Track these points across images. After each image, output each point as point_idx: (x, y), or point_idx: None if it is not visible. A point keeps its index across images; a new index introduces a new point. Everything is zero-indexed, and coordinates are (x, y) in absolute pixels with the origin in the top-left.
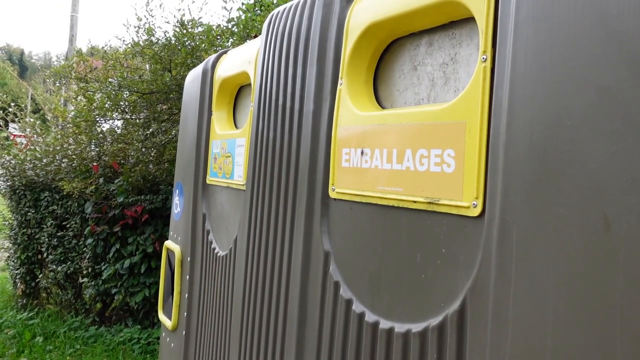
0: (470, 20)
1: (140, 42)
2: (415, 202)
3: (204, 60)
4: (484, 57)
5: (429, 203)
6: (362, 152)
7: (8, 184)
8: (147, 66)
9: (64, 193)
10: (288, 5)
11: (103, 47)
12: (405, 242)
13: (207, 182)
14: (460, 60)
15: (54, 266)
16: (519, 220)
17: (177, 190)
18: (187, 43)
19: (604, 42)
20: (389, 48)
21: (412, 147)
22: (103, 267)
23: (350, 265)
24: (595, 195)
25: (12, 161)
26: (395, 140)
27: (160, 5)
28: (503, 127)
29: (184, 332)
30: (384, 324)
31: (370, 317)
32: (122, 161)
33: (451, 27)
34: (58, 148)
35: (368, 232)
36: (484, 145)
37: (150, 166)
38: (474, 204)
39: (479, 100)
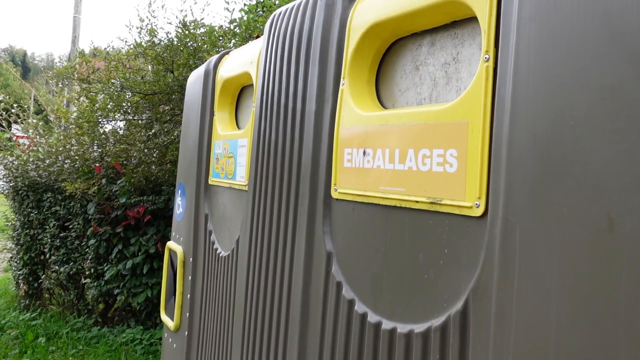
0: (472, 19)
1: (143, 43)
2: (417, 202)
3: (206, 61)
4: (487, 56)
5: (432, 203)
6: (364, 152)
7: (11, 184)
8: (150, 67)
9: (67, 194)
10: (290, 5)
11: (105, 48)
12: (407, 242)
13: (210, 182)
14: (463, 60)
15: (57, 267)
16: (522, 220)
17: (179, 191)
18: (189, 44)
19: (607, 41)
20: (391, 48)
21: (415, 147)
22: (105, 268)
23: (353, 266)
24: (599, 195)
25: (14, 162)
26: (397, 140)
27: (163, 7)
28: (506, 127)
29: (186, 332)
30: (387, 325)
31: (372, 318)
32: (124, 162)
33: (453, 26)
34: (61, 149)
35: (370, 232)
36: (487, 145)
37: (153, 167)
38: (476, 204)
39: (481, 100)
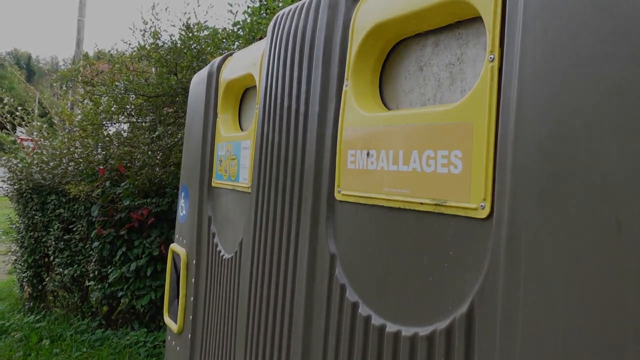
0: (477, 19)
1: (146, 46)
2: (422, 203)
3: (209, 63)
4: (492, 56)
5: (436, 205)
6: (367, 154)
7: (15, 187)
8: (153, 69)
9: (71, 196)
10: (293, 6)
11: (109, 51)
12: (412, 244)
13: (213, 184)
14: (467, 60)
15: (61, 269)
16: (528, 222)
17: (182, 193)
18: (192, 46)
19: (614, 40)
20: (394, 49)
21: (419, 148)
22: (109, 270)
23: (357, 268)
24: (606, 197)
25: (19, 164)
26: (401, 141)
27: (166, 9)
28: (511, 128)
29: (189, 335)
30: (391, 328)
31: (376, 321)
32: (128, 164)
33: (457, 27)
34: (65, 151)
35: (374, 234)
36: (492, 146)
37: (156, 169)
38: (481, 205)
39: (486, 101)
